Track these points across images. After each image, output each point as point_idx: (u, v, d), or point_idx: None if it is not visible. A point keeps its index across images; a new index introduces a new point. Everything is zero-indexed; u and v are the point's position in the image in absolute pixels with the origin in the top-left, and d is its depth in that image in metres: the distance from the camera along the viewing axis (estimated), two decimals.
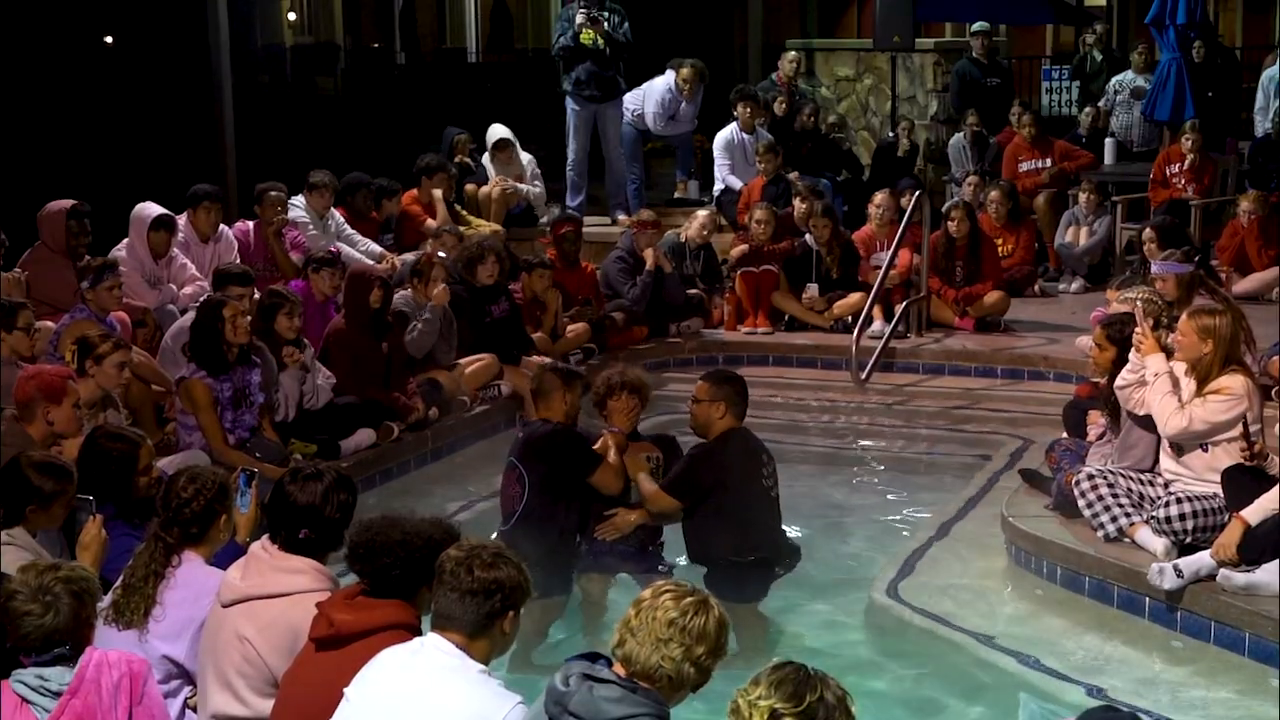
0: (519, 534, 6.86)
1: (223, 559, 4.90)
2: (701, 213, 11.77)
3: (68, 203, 9.12)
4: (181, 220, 9.70)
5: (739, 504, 6.92)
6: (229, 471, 5.39)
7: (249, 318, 7.94)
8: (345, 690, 3.94)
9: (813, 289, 11.14)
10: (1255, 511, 5.97)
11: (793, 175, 12.89)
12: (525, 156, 13.04)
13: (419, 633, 4.12)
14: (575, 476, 7.02)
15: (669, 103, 13.21)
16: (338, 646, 4.12)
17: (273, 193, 10.29)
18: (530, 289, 10.32)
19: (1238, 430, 6.25)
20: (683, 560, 7.12)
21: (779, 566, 7.13)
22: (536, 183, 12.99)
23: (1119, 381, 6.87)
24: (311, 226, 10.63)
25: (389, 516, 4.37)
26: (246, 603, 4.44)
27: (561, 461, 7.02)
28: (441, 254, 9.98)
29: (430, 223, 11.53)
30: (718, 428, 6.99)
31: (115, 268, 8.42)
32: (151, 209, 9.36)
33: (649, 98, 13.24)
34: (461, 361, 9.53)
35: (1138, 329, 6.79)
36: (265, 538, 4.61)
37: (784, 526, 7.39)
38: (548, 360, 9.86)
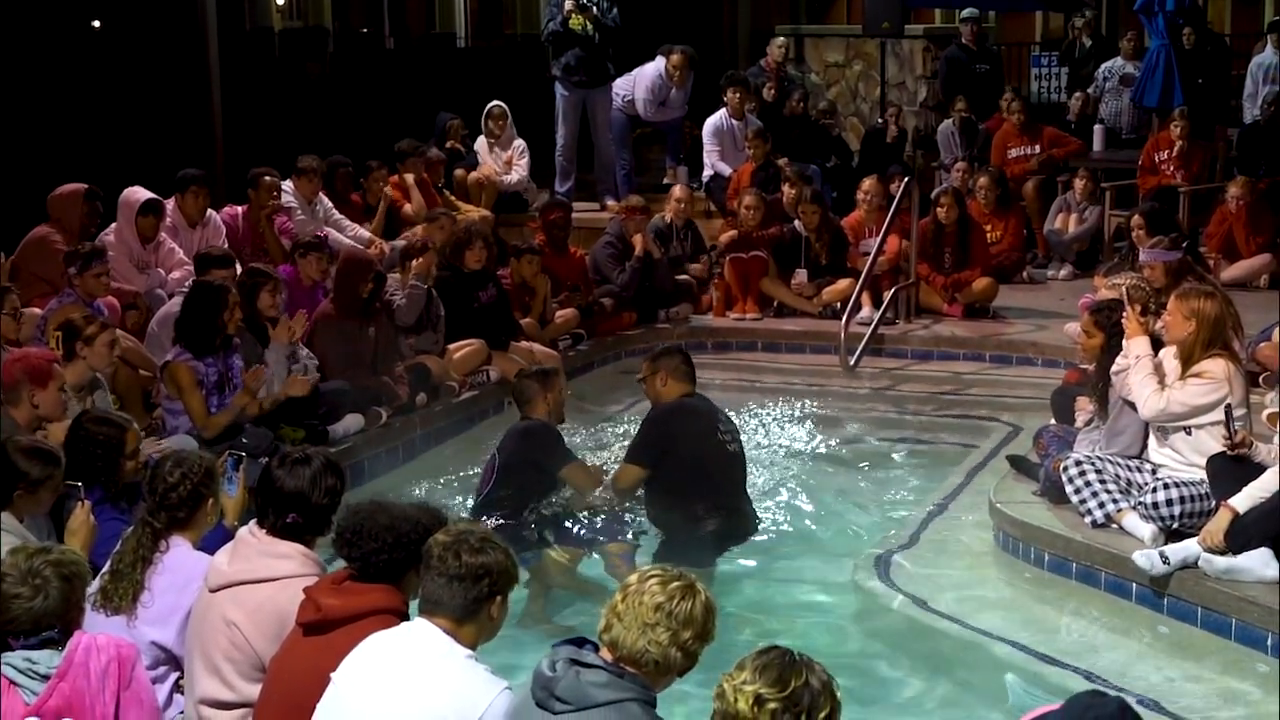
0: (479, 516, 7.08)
1: (211, 543, 4.90)
2: (675, 189, 11.79)
3: (82, 185, 9.13)
4: (169, 205, 9.68)
5: (696, 461, 7.04)
6: (216, 455, 5.39)
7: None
8: (332, 675, 3.94)
9: (801, 274, 11.14)
10: (1243, 499, 5.98)
11: (782, 161, 12.89)
12: (518, 142, 13.06)
13: (406, 617, 4.12)
14: (544, 471, 7.20)
15: (659, 89, 13.20)
16: (324, 631, 4.12)
17: (267, 177, 10.29)
18: (519, 274, 10.32)
19: (1218, 415, 6.25)
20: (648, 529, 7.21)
21: (736, 533, 7.21)
22: (521, 162, 12.98)
23: (1115, 367, 6.88)
24: (300, 211, 10.61)
25: (376, 501, 4.37)
26: (234, 588, 4.43)
27: (531, 455, 7.17)
28: (418, 231, 10.01)
29: (408, 207, 11.56)
30: (666, 397, 7.23)
31: (103, 254, 8.41)
32: (140, 194, 9.33)
33: (639, 84, 13.23)
34: (450, 347, 9.51)
35: (1124, 312, 6.81)
36: (253, 522, 4.61)
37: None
38: (536, 347, 9.91)
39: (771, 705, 3.20)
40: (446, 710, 3.74)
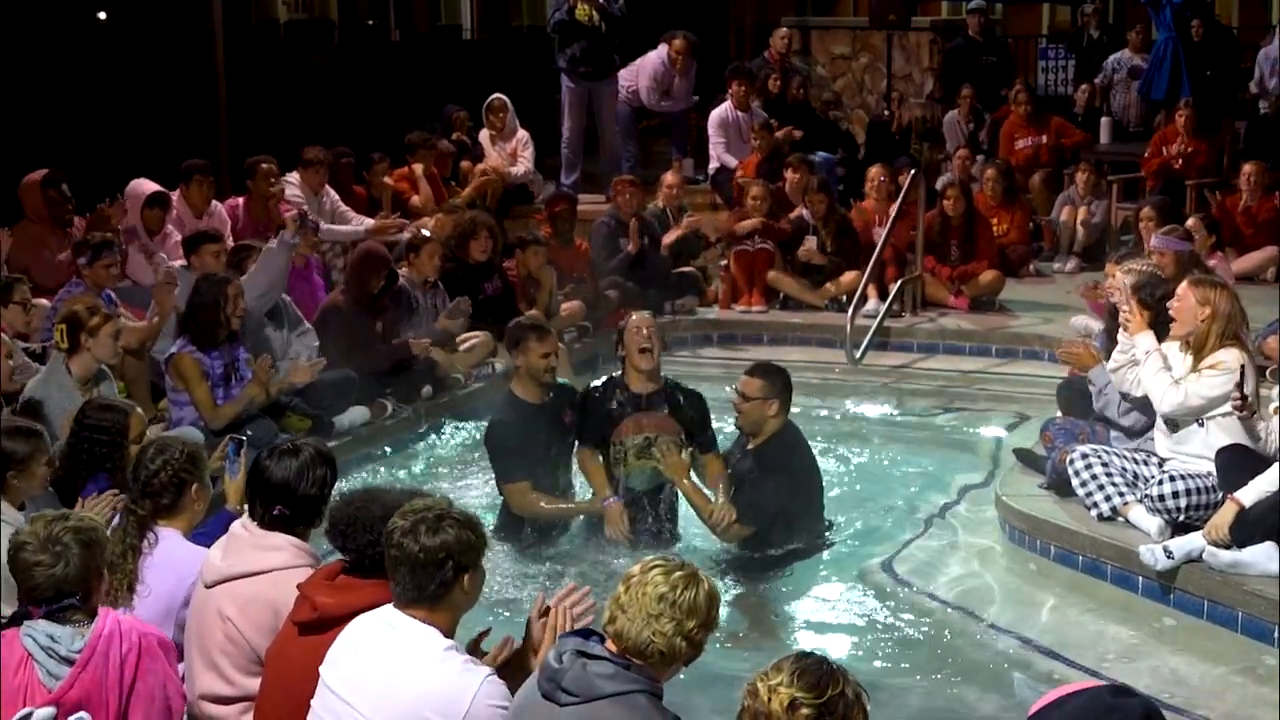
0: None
1: (215, 528, 4.88)
2: (666, 175, 11.80)
3: (39, 173, 9.13)
4: (174, 196, 9.70)
5: (798, 507, 6.89)
6: (217, 442, 5.39)
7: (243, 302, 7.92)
8: (320, 670, 3.90)
9: (811, 241, 11.07)
10: (1249, 493, 5.95)
11: (782, 131, 12.90)
12: (521, 133, 13.05)
13: None
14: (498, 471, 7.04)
15: (662, 76, 13.17)
16: (322, 631, 4.05)
17: (264, 165, 10.34)
18: (524, 266, 10.31)
19: (1231, 405, 6.21)
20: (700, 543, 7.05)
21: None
22: (526, 154, 12.97)
23: (1110, 364, 6.85)
24: (305, 204, 10.60)
25: (370, 491, 4.32)
26: (228, 582, 4.39)
27: (490, 451, 7.08)
28: (425, 232, 10.00)
29: (416, 199, 11.57)
30: (770, 427, 6.86)
31: (113, 245, 8.44)
32: (146, 185, 9.35)
33: (642, 72, 13.21)
34: (456, 339, 9.52)
35: (1124, 307, 6.78)
36: (245, 515, 4.57)
37: None
38: None
39: (805, 711, 3.15)
40: (433, 706, 3.71)
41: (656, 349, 6.96)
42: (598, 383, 7.19)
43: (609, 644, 3.62)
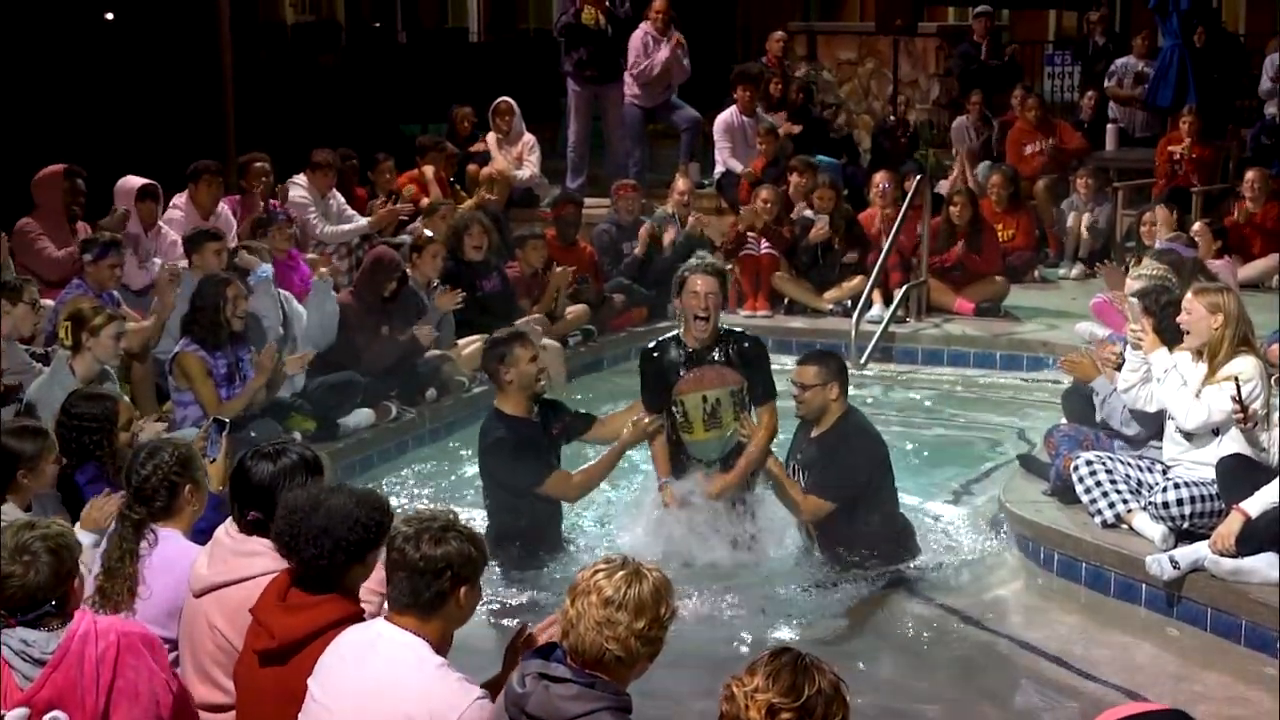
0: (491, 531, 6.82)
1: (209, 513, 4.86)
2: (678, 180, 11.79)
3: (61, 165, 9.14)
4: (182, 199, 9.70)
5: (879, 494, 6.87)
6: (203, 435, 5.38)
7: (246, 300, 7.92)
8: (309, 682, 3.86)
9: (823, 220, 11.05)
10: (1256, 503, 5.92)
11: (783, 129, 12.86)
12: (527, 136, 13.05)
13: (362, 617, 4.04)
14: (519, 495, 6.80)
15: (645, 45, 13.13)
16: (283, 661, 3.99)
17: (257, 163, 10.38)
18: (527, 263, 10.32)
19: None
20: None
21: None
22: (532, 157, 12.95)
23: (1121, 384, 6.81)
24: (312, 206, 10.61)
25: (314, 497, 4.16)
26: (215, 591, 4.35)
27: (493, 479, 6.89)
28: (429, 232, 10.00)
29: (425, 201, 11.60)
30: (834, 411, 6.78)
31: (119, 245, 8.42)
32: (135, 180, 9.35)
33: (630, 48, 13.15)
34: (459, 343, 9.53)
35: (1135, 325, 6.75)
36: (229, 520, 4.52)
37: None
38: (544, 340, 9.89)
39: (785, 715, 3.11)
40: (420, 717, 3.65)
41: (714, 317, 6.76)
42: (654, 343, 7.08)
43: (569, 659, 3.55)
